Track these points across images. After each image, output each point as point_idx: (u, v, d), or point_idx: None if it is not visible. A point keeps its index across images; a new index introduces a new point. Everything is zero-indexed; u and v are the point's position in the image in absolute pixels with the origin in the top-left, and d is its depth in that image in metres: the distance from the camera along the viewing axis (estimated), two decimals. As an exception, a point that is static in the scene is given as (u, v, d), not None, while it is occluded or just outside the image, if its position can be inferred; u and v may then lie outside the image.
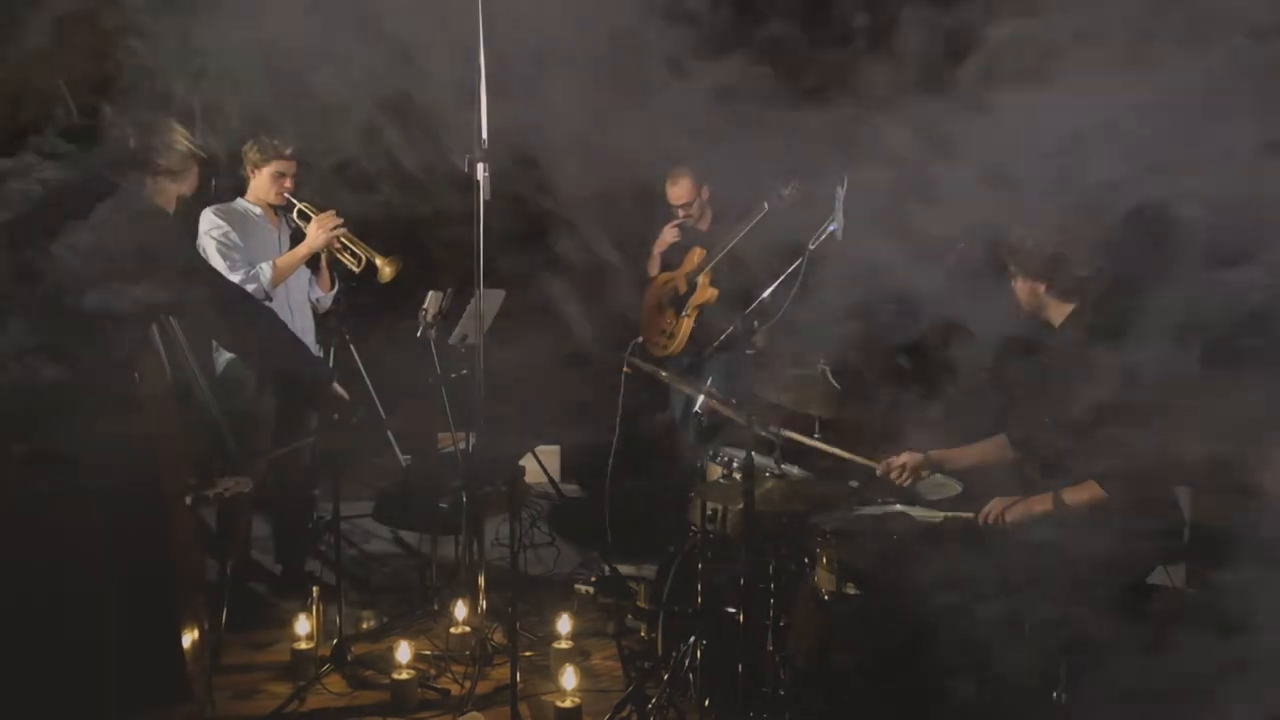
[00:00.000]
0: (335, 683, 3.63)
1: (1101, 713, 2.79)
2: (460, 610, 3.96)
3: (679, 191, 4.81)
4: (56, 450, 2.66)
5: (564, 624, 3.85)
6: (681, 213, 4.84)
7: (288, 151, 4.26)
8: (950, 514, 3.21)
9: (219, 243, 4.13)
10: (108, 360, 2.82)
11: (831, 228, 3.86)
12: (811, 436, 3.64)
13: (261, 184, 4.29)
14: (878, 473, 3.40)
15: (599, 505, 4.50)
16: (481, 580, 3.93)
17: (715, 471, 3.61)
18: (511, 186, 3.57)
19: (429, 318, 4.57)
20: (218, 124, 3.49)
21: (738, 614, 3.06)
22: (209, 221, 4.16)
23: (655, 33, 3.32)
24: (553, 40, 3.18)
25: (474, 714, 3.35)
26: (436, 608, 4.19)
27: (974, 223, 3.13)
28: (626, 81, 3.42)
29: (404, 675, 3.50)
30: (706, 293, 4.72)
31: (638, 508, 4.48)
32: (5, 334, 2.71)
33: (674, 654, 3.39)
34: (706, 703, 3.27)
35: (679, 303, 4.79)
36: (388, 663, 3.64)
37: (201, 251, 4.09)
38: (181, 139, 3.17)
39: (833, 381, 3.59)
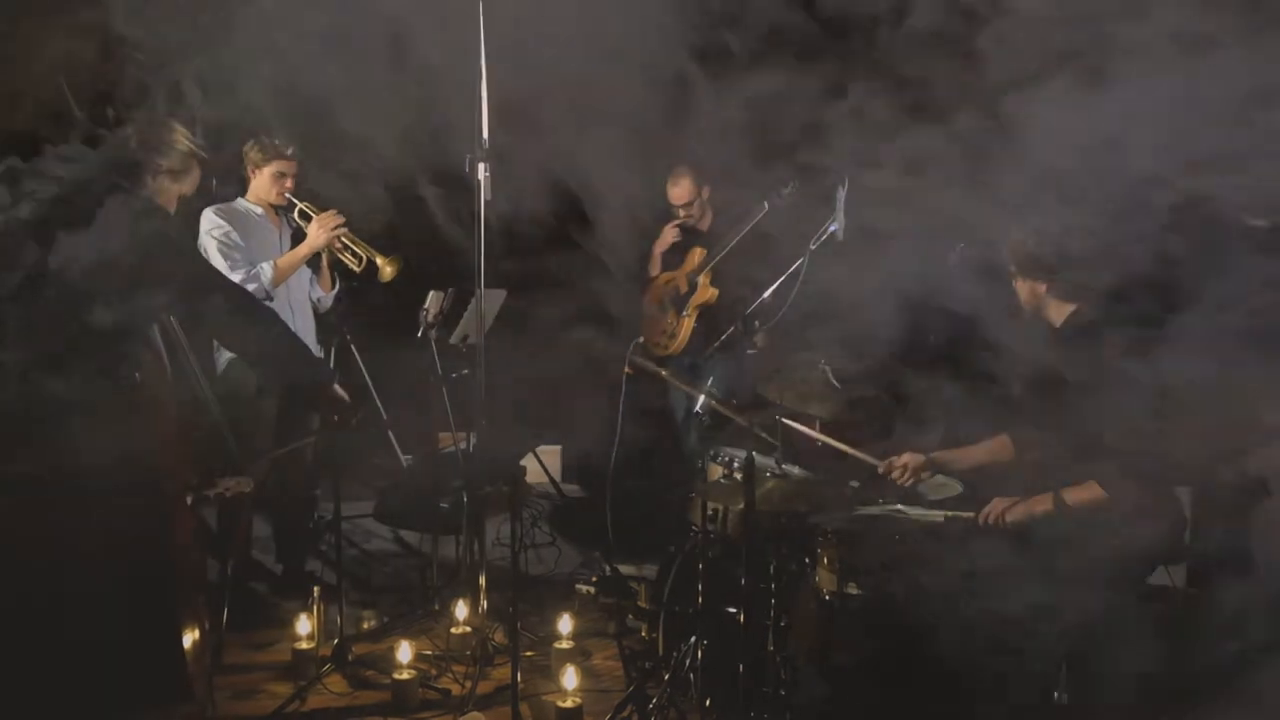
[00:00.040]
0: (336, 683, 3.63)
1: (1102, 713, 2.79)
2: (461, 610, 3.96)
3: (680, 191, 4.81)
4: (58, 457, 2.66)
5: (565, 624, 3.85)
6: (682, 213, 4.84)
7: (289, 151, 4.26)
8: (951, 514, 3.21)
9: (220, 242, 4.13)
10: (108, 360, 2.81)
11: (833, 228, 3.87)
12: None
13: (262, 184, 4.29)
14: (880, 471, 3.40)
15: (600, 505, 4.50)
16: (482, 580, 3.93)
17: (716, 471, 3.61)
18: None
19: (430, 317, 4.57)
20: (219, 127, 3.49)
21: (739, 614, 3.06)
22: (210, 221, 4.17)
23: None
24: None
25: (475, 714, 3.36)
26: (437, 608, 4.19)
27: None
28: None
29: (405, 675, 3.50)
30: (707, 292, 4.72)
31: (639, 508, 4.48)
32: (6, 334, 2.71)
33: (675, 654, 3.39)
34: (707, 703, 3.27)
35: (680, 303, 4.79)
36: (389, 663, 3.64)
37: (202, 251, 4.10)
38: (182, 139, 3.17)
39: (833, 381, 3.59)
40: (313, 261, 4.39)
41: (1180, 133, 2.44)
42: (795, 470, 3.54)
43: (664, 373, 3.88)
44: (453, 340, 4.75)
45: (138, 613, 2.80)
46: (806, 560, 3.24)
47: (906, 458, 3.36)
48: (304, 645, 3.74)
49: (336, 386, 3.68)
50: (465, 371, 4.57)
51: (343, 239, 4.27)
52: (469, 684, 3.55)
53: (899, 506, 3.34)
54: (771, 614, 3.16)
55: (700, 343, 4.64)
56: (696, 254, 4.80)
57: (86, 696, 2.71)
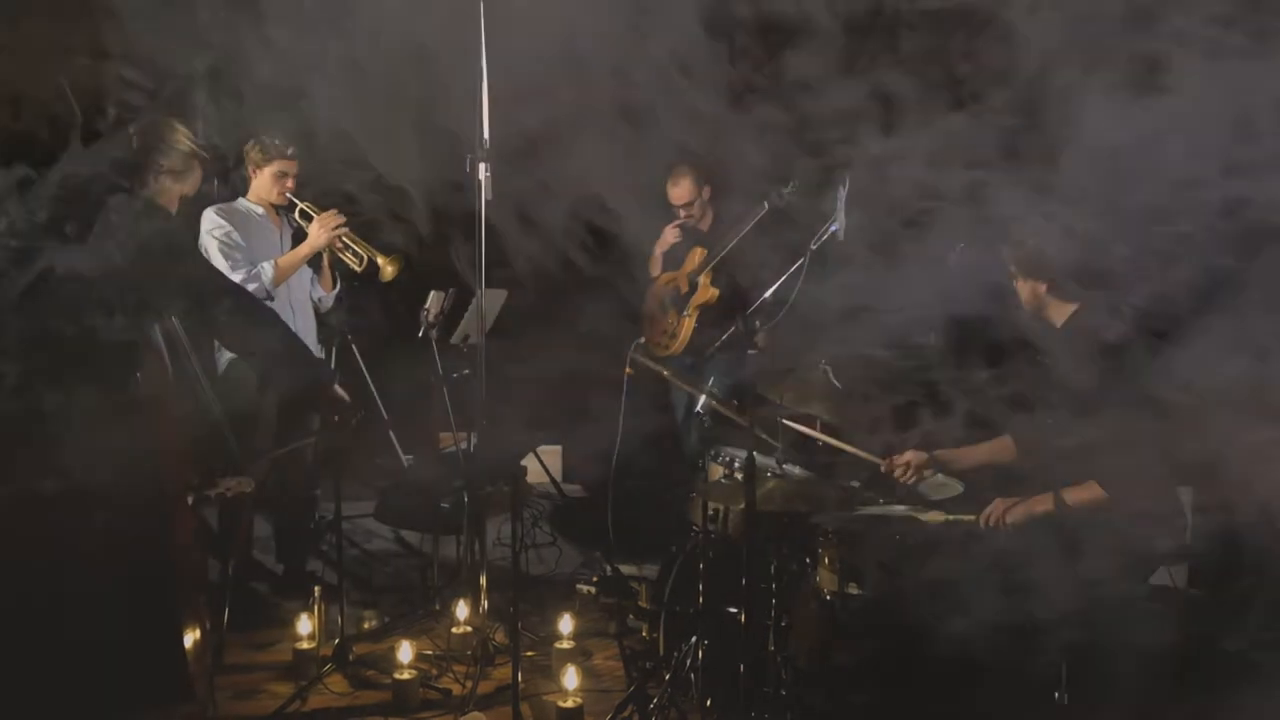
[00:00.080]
0: (337, 682, 3.63)
1: (1103, 713, 2.79)
2: (462, 610, 3.96)
3: (680, 192, 4.81)
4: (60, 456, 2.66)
5: (566, 624, 3.85)
6: (683, 213, 4.84)
7: (289, 151, 4.27)
8: (952, 515, 3.21)
9: (221, 242, 4.13)
10: (110, 361, 2.81)
11: (834, 228, 3.87)
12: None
13: (263, 184, 4.30)
14: (882, 469, 3.40)
15: (601, 505, 4.50)
16: (483, 580, 3.93)
17: (717, 471, 3.61)
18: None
19: (431, 317, 4.57)
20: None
21: (739, 614, 3.06)
22: (211, 221, 4.17)
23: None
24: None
25: (476, 714, 3.36)
26: (438, 607, 4.19)
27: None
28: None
29: (406, 675, 3.50)
30: (708, 292, 4.72)
31: (639, 508, 4.48)
32: (7, 334, 2.72)
33: (676, 654, 3.39)
34: (708, 703, 3.27)
35: (680, 303, 4.79)
36: (389, 662, 3.64)
37: (203, 251, 4.10)
38: (184, 139, 3.17)
39: (834, 381, 3.59)
40: (314, 261, 4.39)
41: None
42: (796, 470, 3.54)
43: (665, 372, 3.88)
44: (453, 340, 4.75)
45: (139, 612, 2.81)
46: (807, 560, 3.24)
47: (909, 456, 3.36)
48: (305, 645, 3.74)
49: (337, 387, 3.68)
50: (466, 371, 4.57)
51: (344, 239, 4.27)
52: (470, 684, 3.55)
53: (900, 507, 3.34)
54: (772, 614, 3.16)
55: (701, 342, 4.65)
56: (697, 254, 4.80)
57: (88, 696, 2.71)
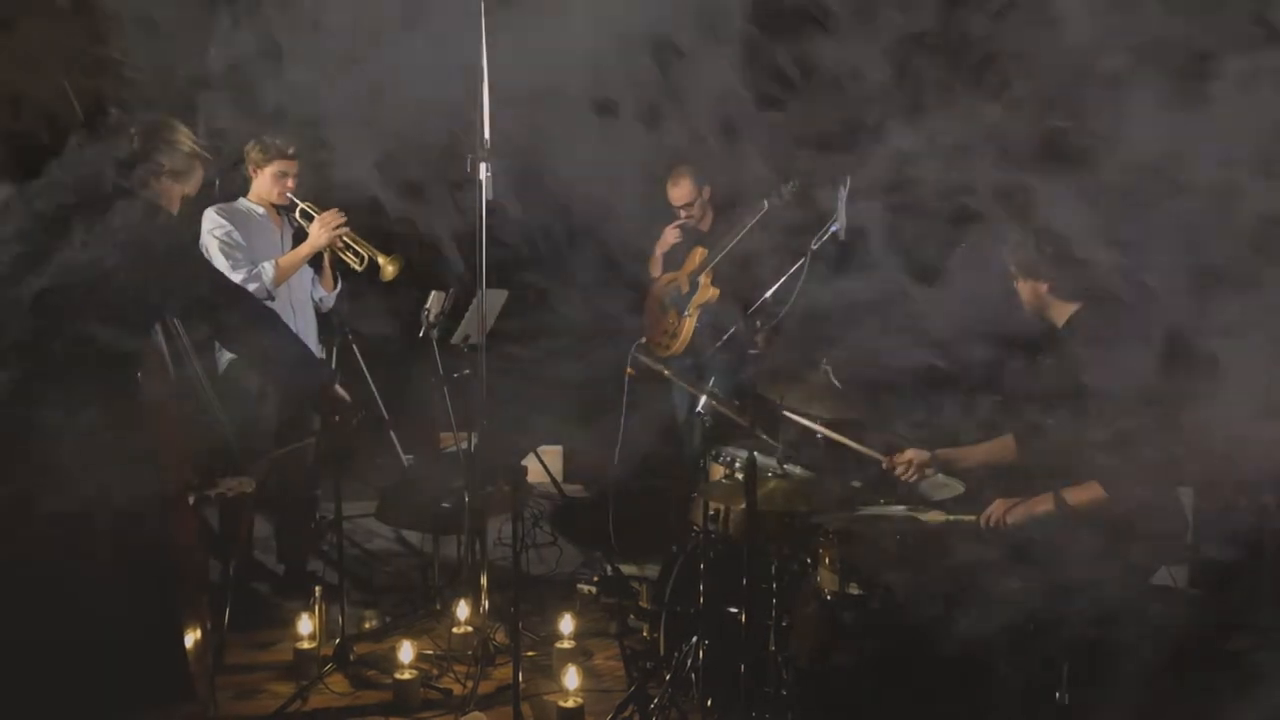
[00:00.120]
0: (338, 682, 3.63)
1: (1104, 713, 2.79)
2: (463, 610, 3.96)
3: (680, 192, 4.81)
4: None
5: (566, 624, 3.85)
6: (683, 213, 4.84)
7: (290, 151, 4.27)
8: (953, 515, 3.21)
9: (222, 242, 4.14)
10: (111, 361, 2.81)
11: (834, 228, 3.87)
12: (813, 436, 3.64)
13: (264, 183, 4.30)
14: (884, 466, 3.40)
15: (601, 505, 4.50)
16: (484, 580, 3.94)
17: (718, 471, 3.61)
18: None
19: (431, 317, 4.57)
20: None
21: (740, 614, 3.06)
22: (211, 221, 4.17)
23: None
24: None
25: (476, 714, 3.36)
26: (439, 607, 4.19)
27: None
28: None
29: (406, 675, 3.50)
30: (708, 292, 4.72)
31: (640, 508, 4.48)
32: (9, 335, 2.72)
33: (676, 654, 3.39)
34: (709, 703, 3.27)
35: (681, 303, 4.79)
36: (390, 662, 3.64)
37: (204, 251, 4.10)
38: (185, 139, 3.17)
39: (835, 381, 3.59)
40: (314, 261, 4.39)
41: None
42: (797, 470, 3.54)
43: (666, 372, 3.88)
44: (454, 340, 4.75)
45: (140, 612, 2.81)
46: (808, 560, 3.24)
47: (911, 454, 3.36)
48: (306, 645, 3.74)
49: (337, 387, 3.68)
50: (467, 371, 4.57)
51: (344, 238, 4.27)
52: (470, 684, 3.55)
53: (900, 507, 3.34)
54: (773, 614, 3.16)
55: (702, 342, 4.65)
56: (697, 254, 4.81)
57: (89, 696, 2.71)
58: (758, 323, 3.91)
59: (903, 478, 3.37)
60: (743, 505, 3.03)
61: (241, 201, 4.33)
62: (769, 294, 3.94)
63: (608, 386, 4.51)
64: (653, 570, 4.09)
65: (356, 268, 4.33)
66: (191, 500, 3.08)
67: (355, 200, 4.09)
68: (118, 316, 2.81)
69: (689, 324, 4.76)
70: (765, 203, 4.45)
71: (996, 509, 3.08)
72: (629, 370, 4.15)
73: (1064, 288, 3.13)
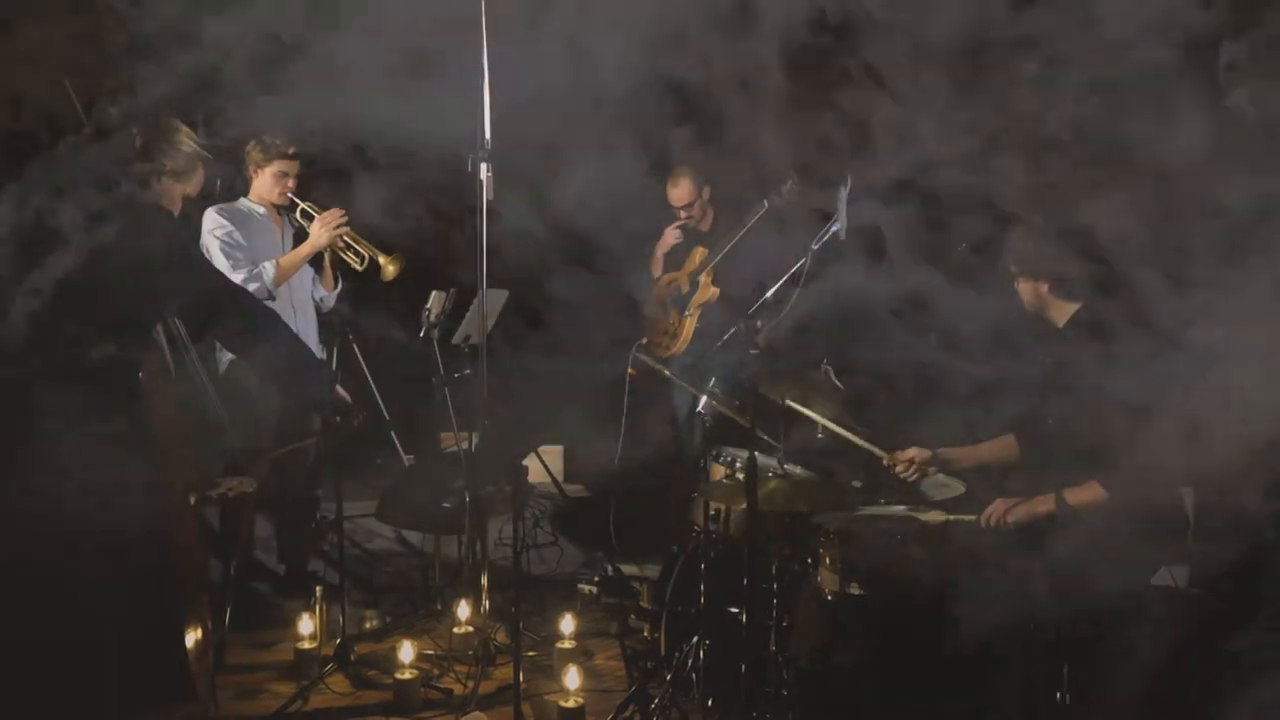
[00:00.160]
0: (338, 682, 3.63)
1: (1104, 713, 2.79)
2: (463, 610, 3.96)
3: (680, 193, 4.81)
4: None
5: (567, 624, 3.85)
6: (683, 214, 4.84)
7: (290, 151, 4.27)
8: (953, 515, 3.21)
9: (222, 242, 4.14)
10: (112, 361, 2.81)
11: (835, 228, 3.87)
12: (814, 436, 3.64)
13: (264, 183, 4.30)
14: (885, 463, 3.40)
15: (602, 505, 4.50)
16: (484, 580, 3.94)
17: (718, 471, 3.61)
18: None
19: (432, 317, 4.57)
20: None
21: (741, 614, 3.06)
22: (212, 221, 4.17)
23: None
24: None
25: (477, 714, 3.36)
26: (439, 607, 4.20)
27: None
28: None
29: (407, 675, 3.50)
30: (708, 291, 4.73)
31: (641, 508, 4.48)
32: (10, 335, 2.72)
33: (677, 654, 3.39)
34: (709, 703, 3.27)
35: (682, 302, 4.80)
36: (391, 662, 3.65)
37: (205, 251, 4.10)
38: (187, 139, 3.17)
39: (835, 382, 3.59)
40: (315, 261, 4.39)
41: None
42: (798, 470, 3.54)
43: (667, 372, 3.88)
44: (455, 340, 4.75)
45: (141, 612, 2.81)
46: (809, 560, 3.24)
47: (912, 452, 3.35)
48: (306, 645, 3.74)
49: (338, 387, 3.68)
50: (467, 371, 4.57)
51: (345, 238, 4.28)
52: (471, 684, 3.55)
53: (901, 507, 3.34)
54: (774, 614, 3.16)
55: (702, 342, 4.65)
56: (698, 254, 4.81)
57: (90, 696, 2.71)
58: (758, 322, 3.92)
59: (903, 476, 3.36)
60: (743, 505, 3.03)
61: (242, 201, 4.33)
62: (770, 294, 3.94)
63: (609, 387, 4.51)
64: (653, 570, 4.09)
65: (357, 267, 4.33)
66: (192, 500, 3.08)
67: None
68: (119, 317, 2.81)
69: (689, 324, 4.77)
70: (765, 202, 4.45)
71: (997, 509, 3.08)
72: (630, 370, 4.15)
73: (1065, 288, 3.13)
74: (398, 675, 3.51)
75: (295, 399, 4.08)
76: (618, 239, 4.51)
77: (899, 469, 3.36)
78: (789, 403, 3.39)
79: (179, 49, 2.99)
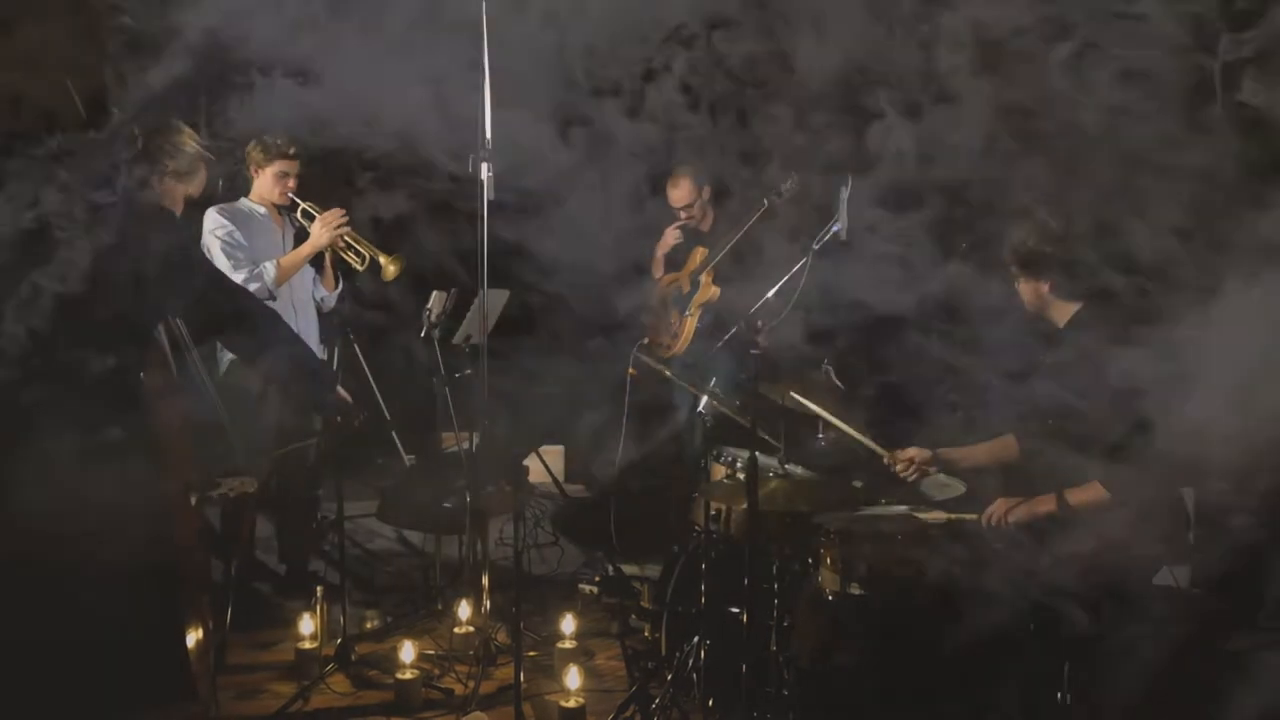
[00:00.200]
0: (339, 682, 3.63)
1: (1105, 713, 2.79)
2: (464, 610, 3.96)
3: (679, 194, 4.82)
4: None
5: (568, 624, 3.85)
6: (683, 214, 4.85)
7: (291, 151, 4.27)
8: (954, 515, 3.21)
9: (223, 242, 4.14)
10: (114, 360, 2.81)
11: (836, 228, 3.87)
12: (814, 436, 3.65)
13: (265, 183, 4.30)
14: (885, 461, 3.40)
15: (603, 505, 4.50)
16: (485, 580, 3.94)
17: (719, 471, 3.61)
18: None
19: (433, 317, 4.57)
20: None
21: (741, 614, 3.06)
22: (213, 221, 4.18)
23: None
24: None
25: (478, 714, 3.36)
26: (440, 607, 4.20)
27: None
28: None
29: (408, 675, 3.50)
30: (709, 291, 4.73)
31: (642, 508, 4.48)
32: (11, 335, 2.72)
33: (678, 654, 3.39)
34: (710, 703, 3.27)
35: (683, 302, 4.80)
36: (392, 662, 3.65)
37: (206, 251, 4.10)
38: (189, 140, 3.17)
39: (836, 381, 3.59)
40: (316, 261, 4.39)
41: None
42: (799, 470, 3.54)
43: (668, 372, 3.88)
44: (455, 340, 4.76)
45: (142, 612, 2.81)
46: (809, 560, 3.24)
47: (912, 452, 3.35)
48: (307, 645, 3.74)
49: (339, 388, 3.68)
50: (468, 371, 4.57)
51: (346, 238, 4.28)
52: (472, 684, 3.55)
53: (902, 507, 3.34)
54: (774, 614, 3.16)
55: (703, 342, 4.65)
56: (698, 254, 4.81)
57: (91, 696, 2.71)
58: (759, 322, 3.92)
59: (903, 476, 3.36)
60: (744, 505, 3.03)
61: (243, 201, 4.33)
62: (771, 293, 3.94)
63: (610, 387, 4.52)
64: (654, 570, 4.09)
65: (358, 267, 4.33)
66: (193, 500, 3.08)
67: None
68: (121, 317, 2.81)
69: (690, 323, 4.77)
70: (765, 201, 4.46)
71: (998, 508, 3.08)
72: (631, 370, 4.15)
73: (1065, 287, 3.13)
74: (399, 675, 3.51)
75: (296, 399, 4.08)
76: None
77: (899, 468, 3.36)
78: (793, 394, 3.39)
79: (179, 49, 2.99)
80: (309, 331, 4.40)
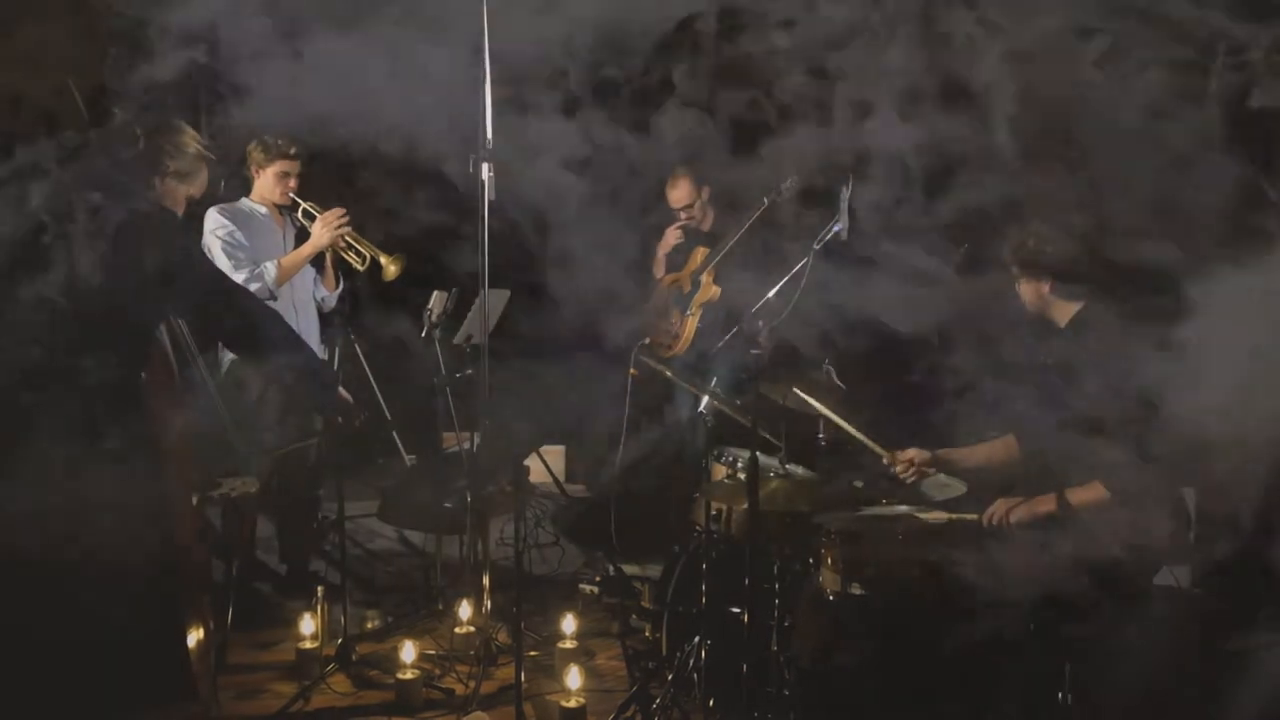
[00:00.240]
0: (340, 682, 3.63)
1: (1106, 713, 2.79)
2: (465, 610, 3.96)
3: (679, 194, 4.81)
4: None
5: (568, 624, 3.85)
6: (683, 215, 4.85)
7: (292, 151, 4.27)
8: (955, 515, 3.21)
9: (224, 242, 4.14)
10: (115, 361, 2.82)
11: (836, 228, 3.87)
12: (815, 437, 3.64)
13: (266, 183, 4.30)
14: (884, 462, 3.40)
15: (604, 505, 4.50)
16: (486, 580, 3.94)
17: (720, 471, 3.61)
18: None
19: (434, 317, 4.57)
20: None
21: (742, 614, 3.06)
22: (214, 221, 4.18)
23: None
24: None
25: (478, 714, 3.36)
26: (441, 607, 4.20)
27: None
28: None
29: (408, 675, 3.50)
30: (710, 290, 4.73)
31: (642, 508, 4.48)
32: (14, 333, 2.72)
33: (678, 654, 3.39)
34: (711, 703, 3.27)
35: (684, 302, 4.80)
36: (392, 662, 3.65)
37: (207, 251, 4.10)
38: (191, 141, 3.17)
39: (837, 381, 3.59)
40: (316, 261, 4.39)
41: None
42: (799, 470, 3.54)
43: (669, 373, 3.88)
44: (456, 340, 4.76)
45: (143, 612, 2.81)
46: (810, 560, 3.24)
47: (912, 453, 3.35)
48: (308, 645, 3.74)
49: (339, 388, 3.68)
50: (469, 371, 4.57)
51: (346, 238, 4.28)
52: (473, 684, 3.55)
53: (902, 507, 3.33)
54: (775, 614, 3.16)
55: (704, 342, 4.65)
56: (699, 253, 4.81)
57: (91, 695, 2.71)
58: (760, 322, 3.92)
59: (903, 477, 3.36)
60: (745, 505, 3.03)
61: (244, 201, 4.33)
62: (772, 293, 3.94)
63: (611, 387, 4.51)
64: (655, 570, 4.08)
65: (359, 267, 4.33)
66: (195, 500, 3.08)
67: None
68: (122, 317, 2.81)
69: (691, 323, 4.76)
70: (765, 200, 4.45)
71: (999, 508, 3.08)
72: (632, 371, 4.14)
73: (1066, 287, 3.13)
74: (399, 675, 3.51)
75: (297, 399, 4.08)
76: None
77: (898, 469, 3.36)
78: (796, 390, 3.39)
79: (180, 49, 3.00)
80: (309, 331, 4.41)
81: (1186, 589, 3.29)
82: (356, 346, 4.87)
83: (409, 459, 5.22)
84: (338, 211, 4.25)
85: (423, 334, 4.60)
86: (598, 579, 4.28)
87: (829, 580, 3.06)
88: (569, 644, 3.80)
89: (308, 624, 3.78)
